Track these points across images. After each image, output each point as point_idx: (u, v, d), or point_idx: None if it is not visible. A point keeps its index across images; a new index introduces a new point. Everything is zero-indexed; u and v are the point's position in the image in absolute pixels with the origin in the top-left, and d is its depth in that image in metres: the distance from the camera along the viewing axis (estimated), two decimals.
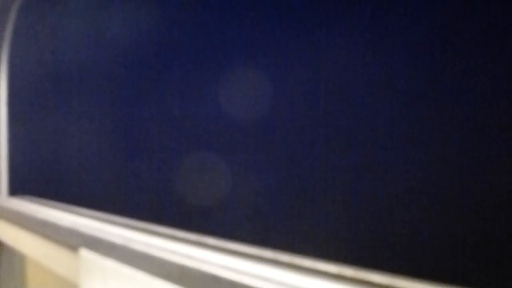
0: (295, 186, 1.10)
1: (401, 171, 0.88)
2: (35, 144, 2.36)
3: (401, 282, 0.75)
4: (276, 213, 1.12)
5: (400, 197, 0.86)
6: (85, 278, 1.17)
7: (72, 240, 1.26)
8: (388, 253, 0.82)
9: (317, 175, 1.07)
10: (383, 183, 0.91)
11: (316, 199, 1.03)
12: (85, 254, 1.18)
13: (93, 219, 1.38)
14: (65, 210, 1.57)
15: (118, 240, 1.11)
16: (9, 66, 2.42)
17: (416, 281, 0.74)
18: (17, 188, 2.09)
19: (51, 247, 1.38)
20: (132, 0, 1.84)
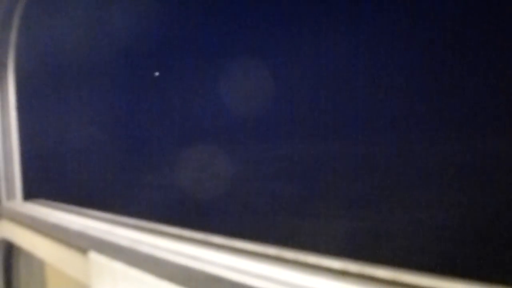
0: (298, 181, 1.09)
1: (405, 167, 0.85)
2: (45, 147, 2.39)
3: (405, 276, 0.73)
4: (280, 208, 1.11)
5: (403, 192, 0.84)
6: (96, 280, 1.18)
7: (82, 243, 1.27)
8: (392, 248, 0.81)
9: (320, 170, 1.05)
10: (388, 178, 0.89)
11: (321, 195, 1.02)
12: (94, 256, 1.19)
13: (102, 221, 1.39)
14: (75, 213, 1.59)
15: (125, 243, 1.11)
16: (16, 70, 2.43)
17: (419, 275, 0.72)
18: (31, 191, 2.12)
19: (63, 250, 1.39)
20: None
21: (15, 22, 2.29)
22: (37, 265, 1.99)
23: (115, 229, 1.27)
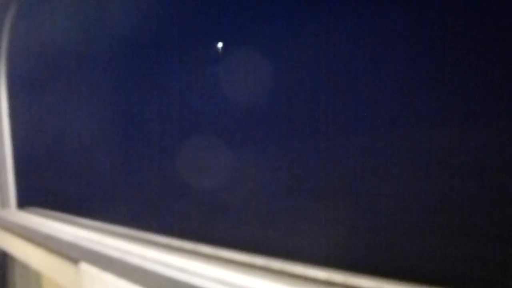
0: (288, 188, 1.09)
1: (397, 174, 0.85)
2: (39, 153, 2.39)
3: (389, 286, 0.73)
4: (270, 216, 1.12)
5: (394, 200, 0.84)
6: None
7: (73, 254, 1.27)
8: (378, 257, 0.81)
9: (311, 178, 1.05)
10: (379, 186, 0.89)
11: (310, 201, 1.02)
12: (85, 267, 1.19)
13: (93, 230, 1.39)
14: (68, 222, 1.59)
15: (115, 254, 1.11)
16: (8, 75, 2.42)
17: (405, 284, 0.73)
18: (24, 199, 2.11)
19: (55, 260, 1.40)
20: None
21: (6, 28, 2.28)
22: (33, 273, 2.00)
23: (106, 239, 1.27)
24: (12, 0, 2.19)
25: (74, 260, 1.26)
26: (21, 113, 2.41)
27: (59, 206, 1.82)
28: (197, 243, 1.07)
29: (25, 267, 1.88)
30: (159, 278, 0.95)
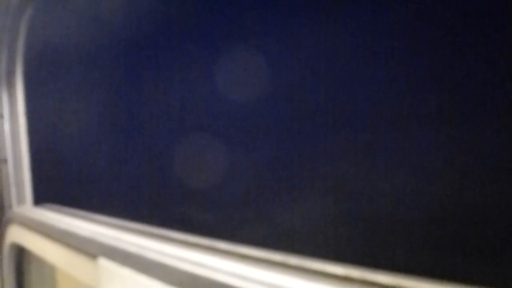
0: (296, 183, 1.09)
1: (406, 166, 0.86)
2: (54, 151, 2.42)
3: (409, 282, 0.74)
4: (279, 211, 1.12)
5: (406, 192, 0.85)
6: (105, 286, 1.20)
7: (91, 249, 1.29)
8: (395, 252, 0.81)
9: (320, 170, 1.06)
10: (390, 178, 0.89)
11: (320, 196, 1.03)
12: (103, 263, 1.21)
13: (110, 226, 1.41)
14: (84, 218, 1.61)
15: (133, 249, 1.13)
16: (25, 74, 2.46)
17: (424, 281, 0.73)
18: (40, 196, 2.15)
19: (73, 255, 1.42)
20: None
21: (22, 29, 2.32)
22: (48, 269, 2.03)
23: (123, 235, 1.29)
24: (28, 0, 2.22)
25: (92, 256, 1.28)
26: (38, 111, 2.45)
27: (75, 203, 1.85)
28: (214, 239, 1.09)
29: (41, 262, 1.91)
30: (177, 273, 0.96)
